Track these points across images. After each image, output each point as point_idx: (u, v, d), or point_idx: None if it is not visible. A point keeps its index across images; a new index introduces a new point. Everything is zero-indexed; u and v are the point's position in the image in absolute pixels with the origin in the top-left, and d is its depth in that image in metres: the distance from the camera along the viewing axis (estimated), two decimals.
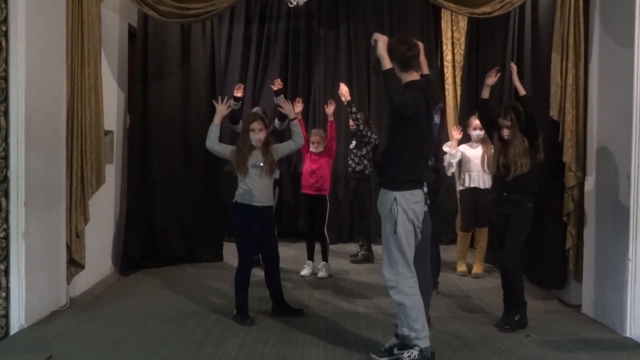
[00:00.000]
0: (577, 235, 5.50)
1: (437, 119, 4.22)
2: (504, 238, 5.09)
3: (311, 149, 6.78)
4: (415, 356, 4.02)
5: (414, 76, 4.12)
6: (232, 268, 6.00)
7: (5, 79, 4.67)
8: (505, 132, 5.00)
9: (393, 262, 4.06)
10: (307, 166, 6.85)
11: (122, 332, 4.78)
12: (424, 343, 4.05)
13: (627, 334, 4.80)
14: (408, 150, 4.08)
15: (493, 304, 5.61)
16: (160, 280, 6.52)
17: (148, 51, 7.09)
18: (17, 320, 4.75)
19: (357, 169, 7.52)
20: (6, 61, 4.66)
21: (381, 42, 4.03)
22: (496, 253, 5.41)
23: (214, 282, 6.47)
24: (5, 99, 4.67)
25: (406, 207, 4.03)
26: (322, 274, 6.75)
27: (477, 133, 6.64)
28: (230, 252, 6.76)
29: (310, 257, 6.93)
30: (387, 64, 3.98)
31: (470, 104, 8.13)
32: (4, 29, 4.65)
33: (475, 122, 6.54)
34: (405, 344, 4.14)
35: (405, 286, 4.04)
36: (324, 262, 6.82)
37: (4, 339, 4.65)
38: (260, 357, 4.27)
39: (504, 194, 5.07)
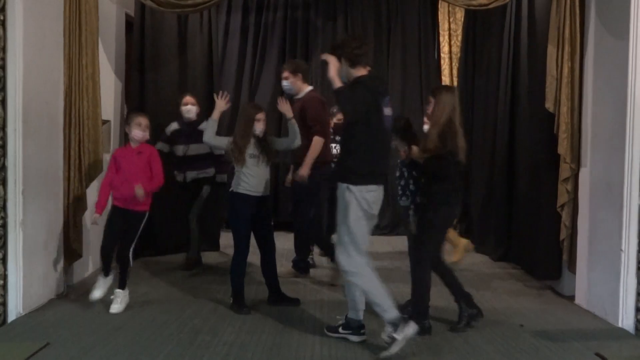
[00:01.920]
0: (571, 227, 5.53)
1: (387, 111, 4.33)
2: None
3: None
4: (411, 332, 4.07)
5: (361, 72, 4.31)
6: (228, 257, 6.05)
7: (3, 68, 4.67)
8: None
9: (345, 247, 4.25)
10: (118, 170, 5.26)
11: (119, 320, 4.82)
12: (391, 314, 4.14)
13: (620, 324, 4.85)
14: (362, 148, 4.24)
15: (485, 295, 5.66)
16: (157, 269, 6.55)
17: (145, 41, 7.09)
18: (15, 308, 4.78)
19: None
20: (4, 50, 4.66)
21: (332, 64, 4.23)
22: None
23: (211, 271, 6.51)
24: (3, 88, 4.67)
25: (358, 196, 4.18)
26: (115, 306, 5.02)
27: None
28: (227, 242, 6.77)
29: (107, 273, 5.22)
30: (337, 83, 4.19)
31: (467, 96, 8.15)
32: (2, 18, 4.64)
33: None
34: (349, 325, 4.42)
35: (356, 267, 4.23)
36: (119, 290, 5.12)
37: (2, 326, 4.67)
38: (256, 345, 4.30)
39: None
